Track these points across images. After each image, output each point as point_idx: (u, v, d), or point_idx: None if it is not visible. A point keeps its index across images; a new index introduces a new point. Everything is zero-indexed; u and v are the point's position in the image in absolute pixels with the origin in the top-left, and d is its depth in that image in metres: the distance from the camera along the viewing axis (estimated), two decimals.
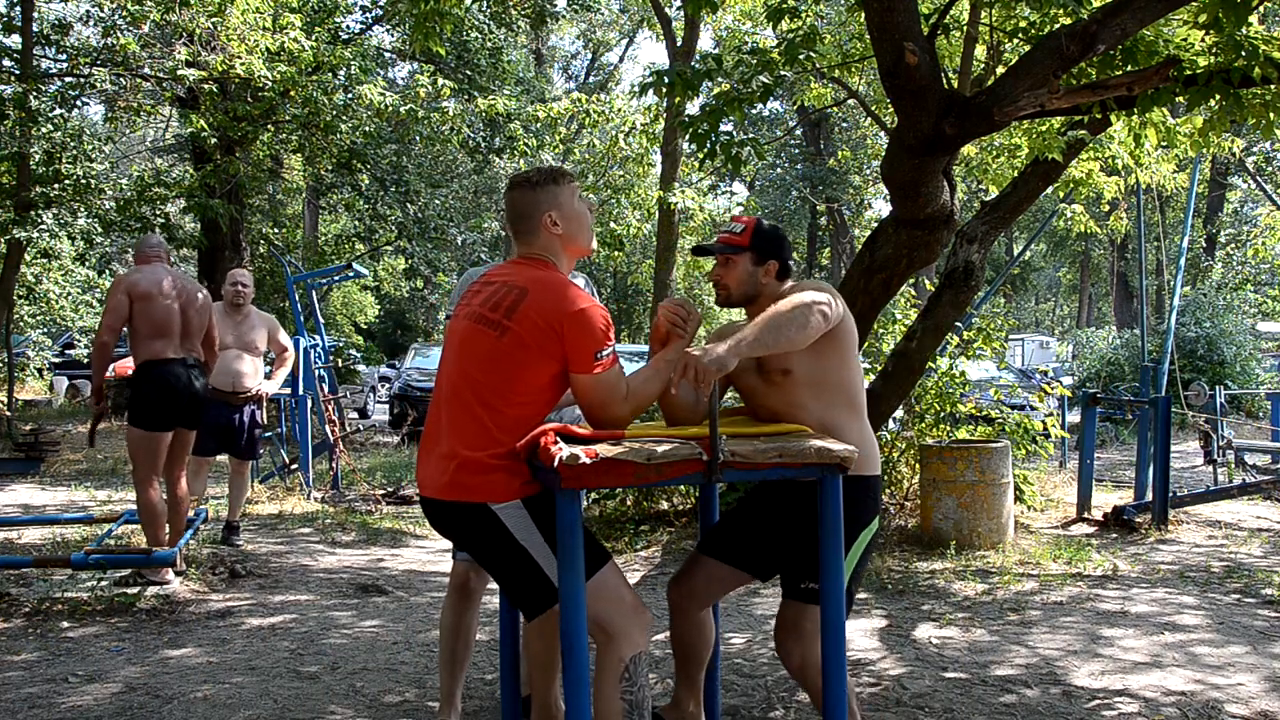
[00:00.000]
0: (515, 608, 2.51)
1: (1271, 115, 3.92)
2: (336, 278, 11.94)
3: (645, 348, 17.62)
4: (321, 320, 10.13)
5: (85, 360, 18.15)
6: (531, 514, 2.40)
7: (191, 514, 6.63)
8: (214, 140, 11.57)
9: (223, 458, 6.43)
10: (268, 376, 6.54)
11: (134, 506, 7.30)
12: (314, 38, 11.85)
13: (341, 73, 11.87)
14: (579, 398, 2.44)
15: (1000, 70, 4.81)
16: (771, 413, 2.74)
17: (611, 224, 11.03)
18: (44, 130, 10.27)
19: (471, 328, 2.45)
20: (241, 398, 6.10)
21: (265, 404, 6.44)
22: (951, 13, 5.14)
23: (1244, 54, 3.69)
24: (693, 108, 6.12)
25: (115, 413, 14.27)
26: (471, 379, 2.40)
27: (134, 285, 5.02)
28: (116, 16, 11.10)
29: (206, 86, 11.23)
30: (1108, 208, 9.26)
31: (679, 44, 12.07)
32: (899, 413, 7.15)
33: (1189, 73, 3.91)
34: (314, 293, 10.29)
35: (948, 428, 7.10)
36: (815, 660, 2.64)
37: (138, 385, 5.05)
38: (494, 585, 2.75)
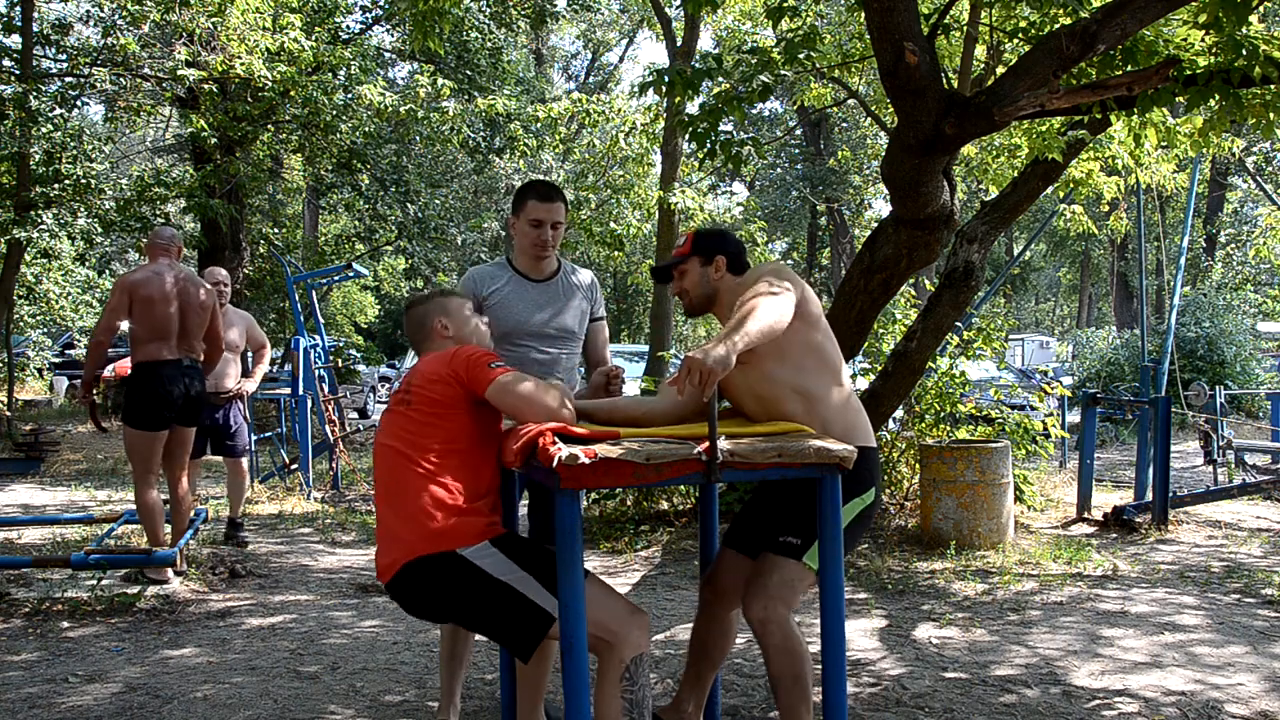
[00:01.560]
0: (513, 650, 2.49)
1: (1271, 115, 3.92)
2: (336, 278, 11.94)
3: (645, 348, 17.62)
4: (321, 320, 10.13)
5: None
6: (503, 551, 2.45)
7: (192, 514, 6.64)
8: (214, 140, 11.57)
9: (213, 457, 6.44)
10: (247, 374, 6.56)
11: (134, 506, 7.32)
12: (314, 38, 11.85)
13: (341, 73, 11.87)
14: (508, 410, 2.53)
15: (1000, 70, 4.81)
16: (747, 389, 2.75)
17: (611, 224, 11.03)
18: (44, 130, 10.27)
19: (388, 417, 2.64)
20: (224, 397, 6.15)
21: (246, 401, 6.51)
22: (951, 13, 5.14)
23: (1244, 54, 3.69)
24: (693, 107, 6.12)
25: (115, 412, 14.33)
26: (402, 453, 2.53)
27: (135, 287, 5.04)
28: (116, 16, 11.10)
29: (206, 86, 11.23)
30: (1108, 208, 9.25)
31: (679, 44, 12.07)
32: (899, 413, 7.15)
33: (1189, 73, 3.90)
34: (314, 293, 10.28)
35: (948, 428, 7.10)
36: (778, 615, 2.66)
37: (132, 386, 5.09)
38: None
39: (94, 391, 5.27)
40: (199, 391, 5.23)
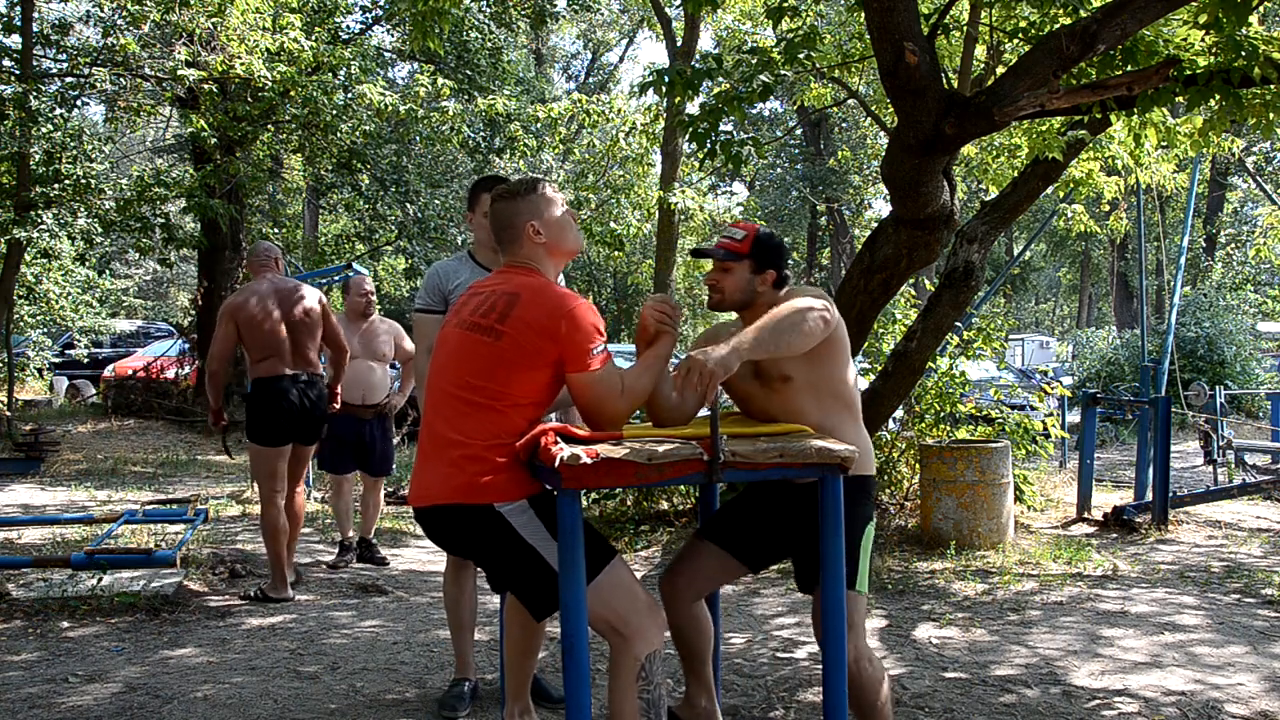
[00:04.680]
0: (529, 608, 2.49)
1: (1271, 115, 3.92)
2: (336, 278, 11.94)
3: None
4: None
5: (85, 360, 18.15)
6: (537, 513, 2.40)
7: (191, 514, 6.64)
8: (214, 140, 11.56)
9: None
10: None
11: (134, 507, 7.33)
12: (314, 38, 11.84)
13: (341, 73, 11.86)
14: (577, 397, 2.44)
15: (1000, 70, 4.81)
16: (770, 419, 2.76)
17: (611, 224, 11.04)
18: (44, 130, 10.25)
19: (465, 336, 2.46)
20: (371, 410, 5.85)
21: (393, 416, 6.07)
22: (951, 13, 5.14)
23: (1244, 54, 3.69)
24: (693, 107, 6.12)
25: (115, 412, 14.33)
26: (473, 385, 2.41)
27: (238, 310, 4.94)
28: (116, 16, 11.10)
29: (206, 86, 11.22)
30: (1108, 208, 9.25)
31: (679, 44, 12.07)
32: (899, 413, 7.15)
33: (1189, 73, 3.91)
34: None
35: (948, 428, 7.10)
36: (864, 650, 2.73)
37: (252, 402, 5.00)
38: None
39: (223, 420, 5.20)
40: (317, 406, 5.07)
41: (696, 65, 4.53)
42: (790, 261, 2.87)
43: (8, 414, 11.89)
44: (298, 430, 5.01)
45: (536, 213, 2.56)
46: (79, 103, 12.10)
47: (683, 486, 6.48)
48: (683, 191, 10.72)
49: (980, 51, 5.41)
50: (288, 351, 4.98)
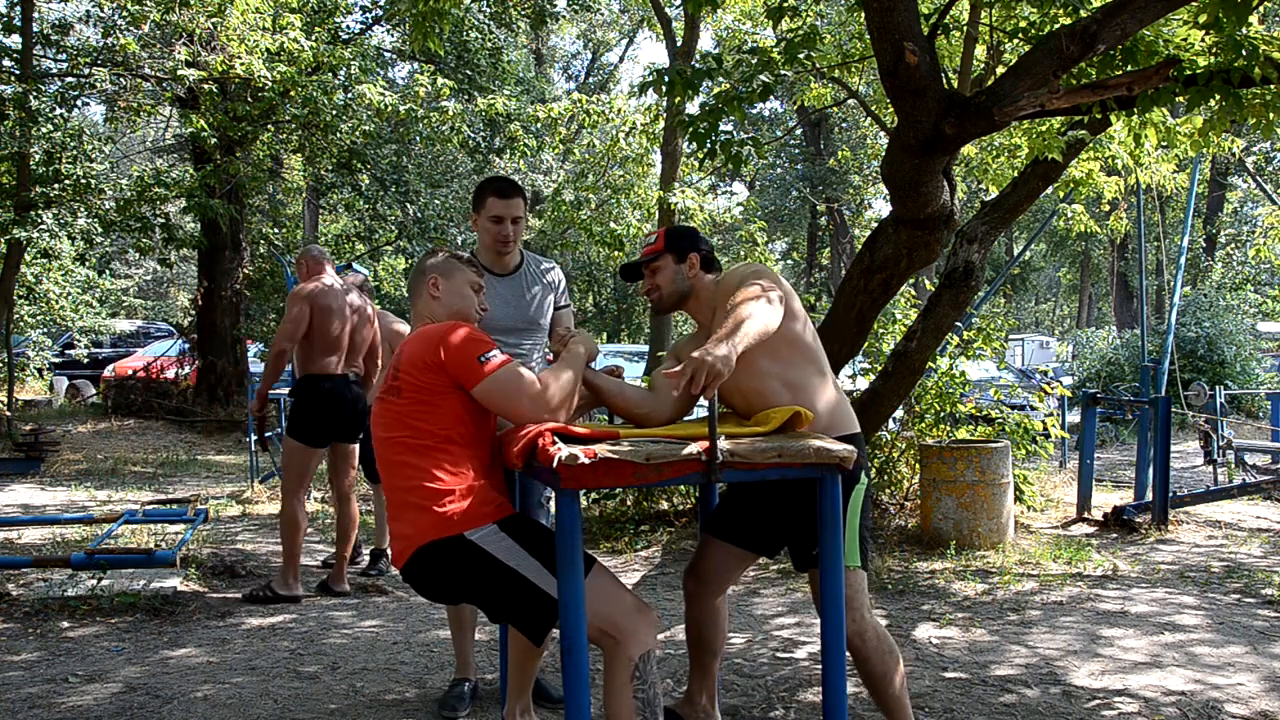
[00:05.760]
0: (525, 634, 2.48)
1: (1271, 115, 3.92)
2: None
3: (645, 348, 17.56)
4: None
5: (85, 360, 18.14)
6: (511, 535, 2.43)
7: (191, 514, 6.63)
8: (214, 140, 11.56)
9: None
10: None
11: (134, 506, 7.32)
12: (314, 38, 11.84)
13: (341, 73, 11.86)
14: (496, 409, 2.50)
15: (1000, 70, 4.81)
16: (734, 387, 2.74)
17: (611, 224, 11.03)
18: (44, 130, 10.26)
19: (380, 404, 2.57)
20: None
21: None
22: (951, 13, 5.14)
23: (1244, 54, 3.69)
24: (693, 107, 6.12)
25: (115, 412, 14.33)
26: (401, 441, 2.48)
27: (317, 298, 4.97)
28: (116, 16, 11.10)
29: (206, 86, 11.22)
30: (1108, 208, 9.25)
31: (679, 44, 12.07)
32: (899, 413, 7.15)
33: (1189, 73, 3.90)
34: None
35: (948, 428, 7.10)
36: (865, 622, 2.72)
37: (301, 398, 5.01)
38: None
39: (265, 407, 5.27)
40: (359, 405, 5.12)
41: (696, 65, 4.53)
42: (710, 246, 2.94)
43: (8, 414, 11.88)
44: (340, 430, 5.11)
45: (444, 272, 2.71)
46: (79, 103, 12.10)
47: (682, 486, 6.49)
48: (683, 191, 10.72)
49: (980, 51, 5.40)
50: (344, 352, 5.09)
